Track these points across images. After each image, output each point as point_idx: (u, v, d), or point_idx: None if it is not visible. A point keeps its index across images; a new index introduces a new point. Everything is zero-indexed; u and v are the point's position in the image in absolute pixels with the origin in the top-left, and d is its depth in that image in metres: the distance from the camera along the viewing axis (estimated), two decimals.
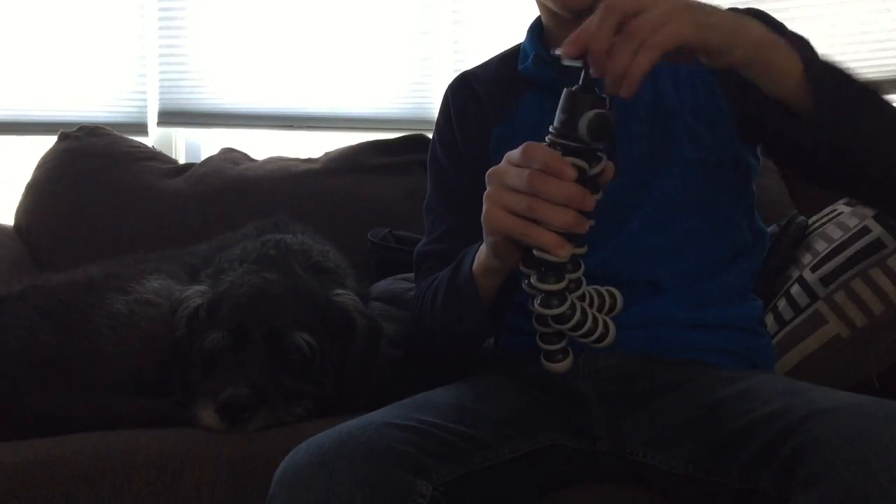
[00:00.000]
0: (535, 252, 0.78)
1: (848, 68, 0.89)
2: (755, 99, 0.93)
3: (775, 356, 1.15)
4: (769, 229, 1.51)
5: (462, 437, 0.88)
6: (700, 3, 0.79)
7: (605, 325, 0.80)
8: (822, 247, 1.36)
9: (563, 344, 0.81)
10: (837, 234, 1.34)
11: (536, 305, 0.79)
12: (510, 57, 1.22)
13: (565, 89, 0.77)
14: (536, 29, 1.18)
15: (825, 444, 0.70)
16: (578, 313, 0.78)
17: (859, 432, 0.69)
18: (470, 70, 1.28)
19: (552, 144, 0.77)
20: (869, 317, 1.23)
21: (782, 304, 1.36)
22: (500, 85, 1.19)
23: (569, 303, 0.78)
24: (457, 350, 1.09)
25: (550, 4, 1.08)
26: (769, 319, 1.36)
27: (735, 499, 0.82)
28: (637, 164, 1.05)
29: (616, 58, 0.74)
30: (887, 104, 0.89)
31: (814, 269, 1.34)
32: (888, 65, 2.10)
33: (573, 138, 0.75)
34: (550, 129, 0.78)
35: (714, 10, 0.80)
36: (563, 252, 0.76)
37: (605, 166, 0.78)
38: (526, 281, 0.81)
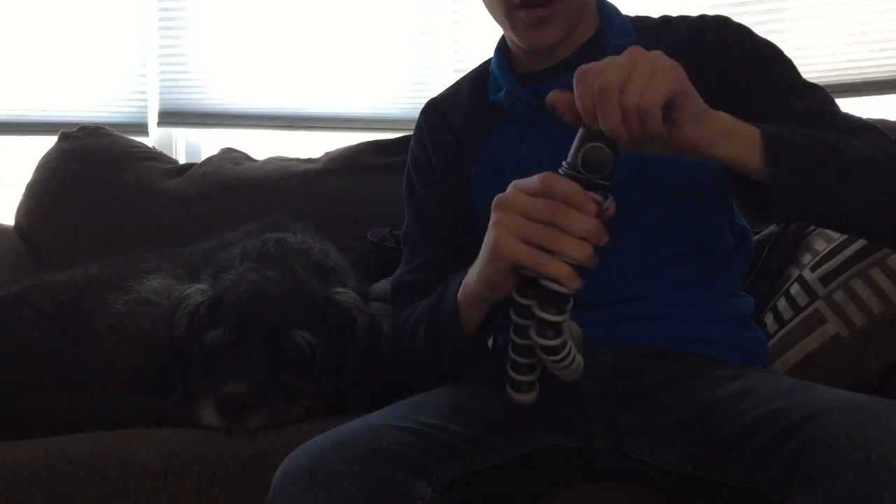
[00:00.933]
0: (544, 282, 0.79)
1: (808, 134, 0.87)
2: None
3: (768, 350, 1.15)
4: (769, 229, 1.51)
5: (461, 437, 0.88)
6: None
7: (578, 359, 0.81)
8: (821, 246, 1.36)
9: (533, 377, 0.83)
10: (837, 234, 1.34)
11: (532, 334, 0.80)
12: (479, 82, 1.19)
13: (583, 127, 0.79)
14: (503, 52, 1.16)
15: (826, 443, 0.70)
16: (567, 346, 0.80)
17: (860, 432, 0.69)
18: (440, 97, 1.25)
19: (570, 177, 0.78)
20: (868, 316, 1.23)
21: (782, 303, 1.36)
22: (473, 116, 1.17)
23: (563, 335, 0.79)
24: (435, 384, 1.05)
25: (517, 40, 1.08)
26: (769, 319, 1.37)
27: (735, 497, 0.82)
28: (623, 191, 1.00)
29: (630, 131, 0.76)
30: (855, 159, 0.87)
31: (813, 269, 1.34)
32: (888, 65, 2.10)
33: (594, 173, 0.77)
34: (566, 162, 0.79)
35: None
36: (575, 284, 0.77)
37: (611, 203, 0.80)
38: (516, 311, 0.82)
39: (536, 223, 0.78)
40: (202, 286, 1.28)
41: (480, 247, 0.96)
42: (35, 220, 1.93)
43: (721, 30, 1.07)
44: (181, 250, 1.53)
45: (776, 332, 1.32)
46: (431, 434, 0.86)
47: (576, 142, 0.79)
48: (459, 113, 1.19)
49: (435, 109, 1.23)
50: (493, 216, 0.82)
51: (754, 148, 0.83)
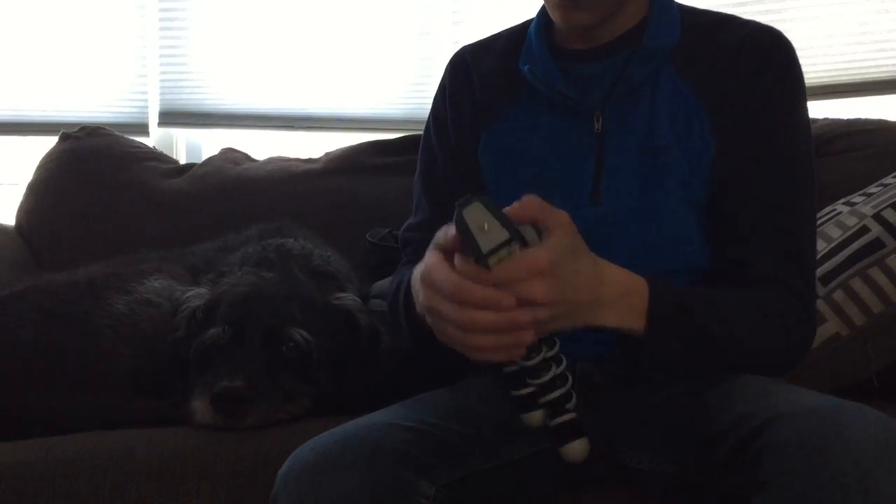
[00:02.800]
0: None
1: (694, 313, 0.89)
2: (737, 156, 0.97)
3: None
4: None
5: (463, 438, 0.88)
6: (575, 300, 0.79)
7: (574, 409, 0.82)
8: (821, 246, 1.36)
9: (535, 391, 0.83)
10: (836, 234, 1.34)
11: (529, 380, 0.81)
12: (514, 42, 1.13)
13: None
14: (544, 21, 1.10)
15: (780, 449, 0.70)
16: (559, 386, 0.81)
17: (813, 439, 0.69)
18: (471, 47, 1.19)
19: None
20: (868, 315, 1.23)
21: None
22: (498, 79, 1.12)
23: (551, 374, 0.80)
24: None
25: (552, 15, 1.05)
26: None
27: (721, 500, 0.82)
28: (623, 197, 1.01)
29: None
30: (728, 347, 0.91)
31: None
32: (888, 65, 2.09)
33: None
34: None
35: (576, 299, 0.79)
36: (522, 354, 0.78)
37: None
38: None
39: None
40: (201, 290, 1.28)
41: None
42: (36, 221, 1.93)
43: (759, 57, 1.01)
44: (182, 251, 1.54)
45: None
46: (435, 434, 0.86)
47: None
48: (485, 71, 1.14)
49: (461, 60, 1.18)
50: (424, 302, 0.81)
51: (638, 318, 0.85)
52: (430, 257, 0.80)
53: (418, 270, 0.85)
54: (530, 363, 0.79)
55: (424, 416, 0.88)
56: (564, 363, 0.81)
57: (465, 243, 0.75)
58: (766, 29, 1.04)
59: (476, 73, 1.14)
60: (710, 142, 1.00)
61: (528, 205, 0.76)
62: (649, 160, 1.01)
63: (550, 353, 0.80)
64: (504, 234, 0.74)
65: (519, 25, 1.17)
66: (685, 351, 0.88)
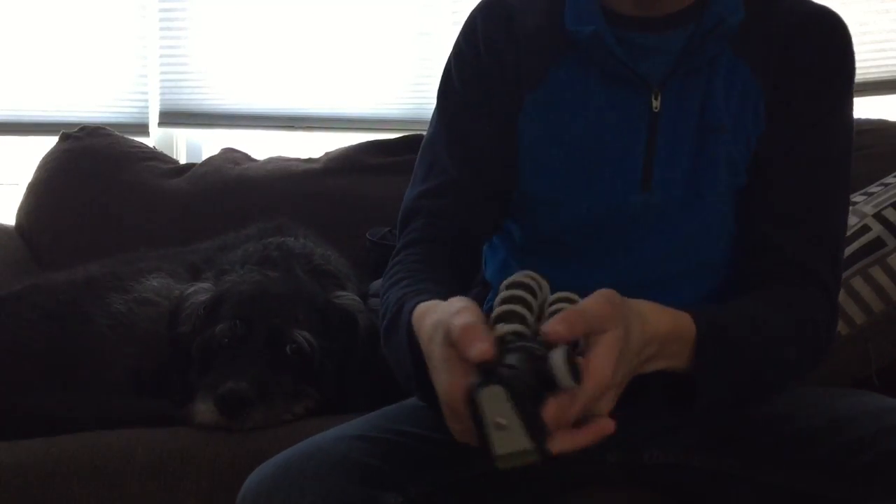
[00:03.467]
0: None
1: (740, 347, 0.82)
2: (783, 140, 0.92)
3: None
4: None
5: (443, 446, 0.83)
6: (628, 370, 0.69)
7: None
8: None
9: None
10: None
11: None
12: (558, 3, 0.99)
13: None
14: None
15: None
16: None
17: None
18: None
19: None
20: (868, 315, 1.23)
21: None
22: (542, 36, 0.98)
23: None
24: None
25: None
26: None
27: (759, 497, 0.83)
28: (674, 184, 0.95)
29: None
30: (773, 366, 0.85)
31: None
32: (888, 65, 2.10)
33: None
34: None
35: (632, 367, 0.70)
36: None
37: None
38: None
39: None
40: (205, 285, 1.28)
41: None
42: (36, 220, 1.93)
43: (818, 41, 0.96)
44: (182, 250, 1.54)
45: None
46: (408, 445, 0.84)
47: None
48: (529, 25, 0.99)
49: (499, 6, 1.01)
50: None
51: (684, 360, 0.78)
52: (447, 376, 0.67)
53: (428, 331, 0.72)
54: None
55: (403, 426, 0.86)
56: None
57: (476, 430, 0.61)
58: (826, 11, 0.98)
59: (519, 26, 0.99)
60: (762, 124, 0.95)
61: (573, 325, 0.64)
62: (702, 143, 0.94)
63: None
64: (525, 443, 0.59)
65: None
66: (733, 382, 0.81)
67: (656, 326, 0.73)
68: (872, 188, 1.42)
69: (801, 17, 0.96)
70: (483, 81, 1.00)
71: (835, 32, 0.97)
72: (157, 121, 2.32)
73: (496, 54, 0.99)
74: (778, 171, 0.94)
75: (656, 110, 0.94)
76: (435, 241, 0.96)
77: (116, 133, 2.09)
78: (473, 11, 1.04)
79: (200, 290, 1.26)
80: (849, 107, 0.98)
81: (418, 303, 0.77)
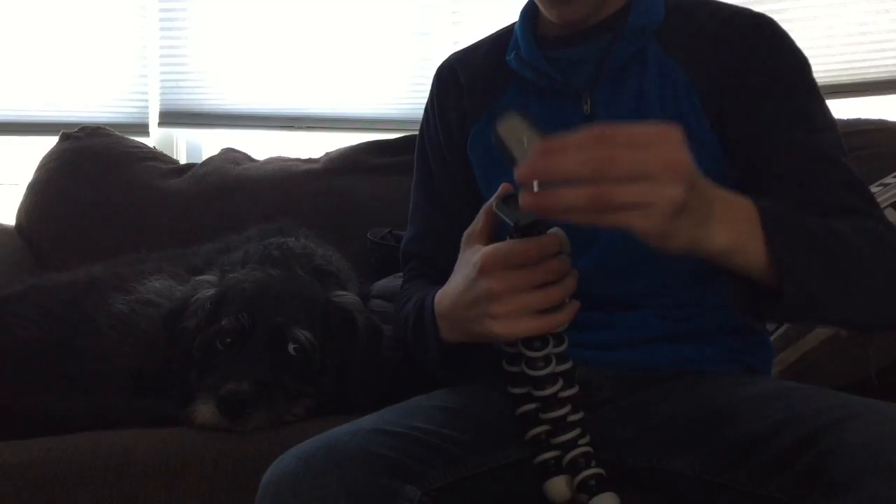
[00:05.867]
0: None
1: (809, 235, 0.81)
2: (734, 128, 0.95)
3: (774, 353, 1.13)
4: None
5: (454, 442, 0.87)
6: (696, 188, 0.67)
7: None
8: None
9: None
10: None
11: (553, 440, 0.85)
12: (501, 39, 1.15)
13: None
14: (529, 14, 1.11)
15: (850, 452, 0.69)
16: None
17: (885, 440, 0.69)
18: (458, 54, 1.21)
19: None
20: None
21: None
22: (485, 75, 1.13)
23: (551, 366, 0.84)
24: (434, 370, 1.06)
25: (542, 9, 1.06)
26: None
27: (742, 502, 0.81)
28: None
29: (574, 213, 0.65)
30: (852, 265, 0.83)
31: None
32: (887, 65, 2.10)
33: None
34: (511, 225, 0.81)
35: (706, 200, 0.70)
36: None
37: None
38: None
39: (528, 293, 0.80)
40: (210, 278, 1.28)
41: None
42: (36, 220, 1.93)
43: (753, 33, 1.01)
44: (183, 251, 1.54)
45: (775, 330, 1.32)
46: (423, 439, 0.85)
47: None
48: (472, 70, 1.15)
49: (447, 68, 1.19)
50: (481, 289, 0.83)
51: (755, 238, 0.76)
52: (473, 246, 0.84)
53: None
54: (555, 414, 0.84)
55: (413, 422, 0.87)
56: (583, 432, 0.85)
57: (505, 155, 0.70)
58: (748, 12, 1.04)
59: (463, 75, 1.15)
60: (701, 115, 0.99)
61: None
62: None
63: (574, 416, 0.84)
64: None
65: (504, 28, 1.18)
66: (820, 270, 0.79)
67: (709, 184, 0.71)
68: (872, 188, 1.42)
69: (728, 19, 1.03)
70: (438, 138, 1.16)
71: (761, 31, 1.01)
72: (157, 121, 2.33)
73: (444, 107, 1.16)
74: (768, 161, 0.97)
75: (587, 113, 1.03)
76: (430, 278, 1.10)
77: (116, 133, 2.09)
78: (432, 80, 1.20)
79: (203, 283, 1.26)
80: (807, 89, 1.00)
81: (435, 292, 0.95)
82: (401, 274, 1.23)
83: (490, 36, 1.20)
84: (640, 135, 0.64)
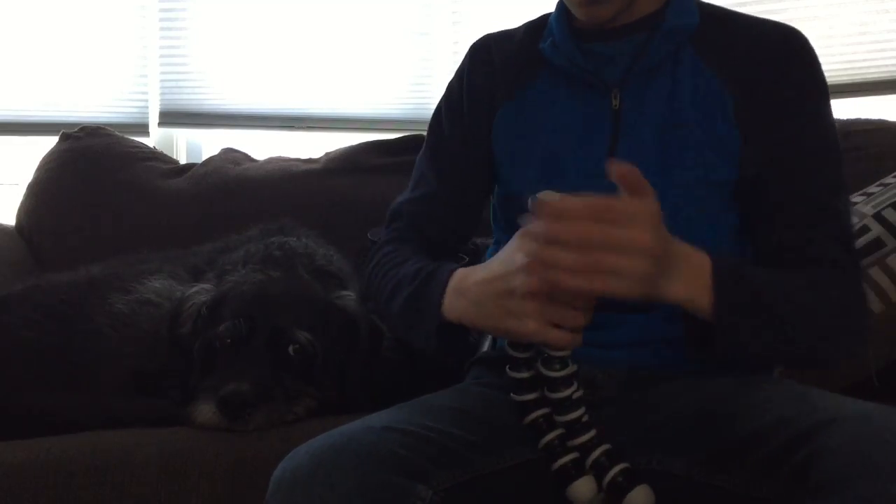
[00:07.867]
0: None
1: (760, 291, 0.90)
2: (765, 143, 0.98)
3: None
4: None
5: (463, 442, 0.87)
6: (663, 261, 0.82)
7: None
8: None
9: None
10: None
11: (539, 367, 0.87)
12: (536, 29, 1.15)
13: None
14: (565, 6, 1.10)
15: (837, 453, 0.70)
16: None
17: (871, 442, 0.69)
18: (494, 35, 1.21)
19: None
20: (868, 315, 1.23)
21: None
22: (518, 59, 1.14)
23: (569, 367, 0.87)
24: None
25: (571, 8, 1.06)
26: None
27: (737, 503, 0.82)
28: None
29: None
30: (797, 322, 0.90)
31: None
32: (887, 65, 2.10)
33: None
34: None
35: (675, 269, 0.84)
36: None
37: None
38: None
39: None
40: (206, 286, 1.28)
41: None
42: (36, 221, 1.93)
43: (781, 48, 1.03)
44: (184, 252, 1.54)
45: None
46: (433, 438, 0.85)
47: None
48: (505, 53, 1.16)
49: (483, 46, 1.19)
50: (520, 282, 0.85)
51: (704, 293, 0.86)
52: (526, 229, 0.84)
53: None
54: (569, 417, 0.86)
55: (423, 420, 0.87)
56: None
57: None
58: (786, 28, 1.06)
59: (497, 55, 1.16)
60: (733, 124, 1.00)
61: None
62: (668, 137, 1.01)
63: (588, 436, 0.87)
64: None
65: (539, 17, 1.18)
66: (755, 327, 0.88)
67: (676, 244, 0.84)
68: (872, 188, 1.42)
69: (762, 31, 1.05)
70: (462, 112, 1.16)
71: (798, 46, 1.04)
72: (157, 121, 2.33)
73: (476, 84, 1.16)
74: (777, 179, 1.00)
75: (615, 108, 1.04)
76: (412, 241, 1.15)
77: (116, 133, 2.09)
78: (466, 54, 1.21)
79: (201, 291, 1.26)
80: (825, 101, 1.05)
81: (453, 269, 0.98)
82: None
83: (524, 24, 1.20)
84: (622, 214, 0.78)
